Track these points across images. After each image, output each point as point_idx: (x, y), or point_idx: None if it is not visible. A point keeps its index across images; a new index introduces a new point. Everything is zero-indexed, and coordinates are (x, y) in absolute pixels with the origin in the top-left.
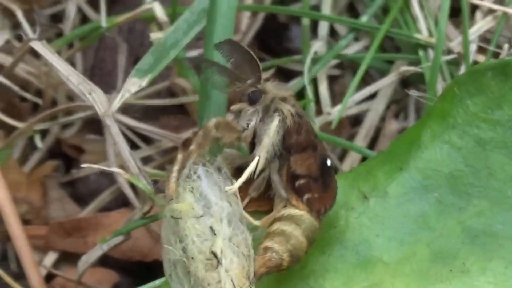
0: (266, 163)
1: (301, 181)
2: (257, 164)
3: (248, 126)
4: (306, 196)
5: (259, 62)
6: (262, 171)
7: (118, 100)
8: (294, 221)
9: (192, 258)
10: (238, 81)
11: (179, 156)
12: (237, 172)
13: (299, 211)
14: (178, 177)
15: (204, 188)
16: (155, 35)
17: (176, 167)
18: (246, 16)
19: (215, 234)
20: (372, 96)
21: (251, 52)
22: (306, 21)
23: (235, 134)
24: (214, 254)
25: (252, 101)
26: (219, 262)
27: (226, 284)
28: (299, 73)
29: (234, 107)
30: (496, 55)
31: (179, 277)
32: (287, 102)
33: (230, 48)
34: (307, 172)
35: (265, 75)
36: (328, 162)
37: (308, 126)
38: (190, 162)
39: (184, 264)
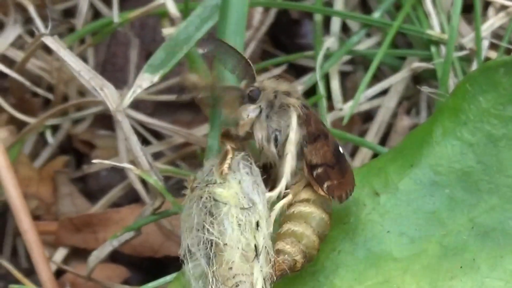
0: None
1: (319, 170)
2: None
3: (246, 118)
4: (326, 184)
5: (249, 61)
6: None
7: (130, 96)
8: (304, 219)
9: (227, 245)
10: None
11: (229, 147)
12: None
13: (308, 208)
14: (230, 165)
15: (248, 184)
16: (167, 31)
17: (230, 155)
18: (258, 11)
19: (257, 230)
20: (384, 92)
21: (240, 52)
22: (318, 17)
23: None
24: (255, 247)
25: (252, 99)
26: (257, 255)
27: (258, 280)
28: (311, 69)
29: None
30: (508, 51)
31: (198, 256)
32: (292, 96)
33: (217, 49)
34: (323, 161)
35: (277, 71)
36: (340, 149)
37: (316, 116)
38: (236, 156)
39: (212, 246)
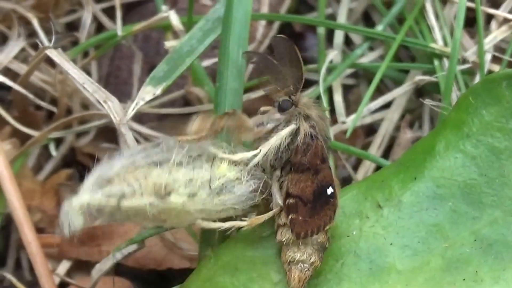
0: (265, 162)
1: (291, 200)
2: (256, 155)
3: (266, 125)
4: (290, 216)
5: (304, 75)
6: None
7: (133, 108)
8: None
9: None
10: (279, 83)
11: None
12: None
13: None
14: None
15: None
16: (170, 43)
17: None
18: (261, 25)
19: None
20: (387, 106)
21: (302, 63)
22: (321, 30)
23: (245, 128)
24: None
25: (281, 109)
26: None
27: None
28: (314, 82)
29: (263, 108)
30: (511, 64)
31: None
32: (309, 122)
33: (284, 48)
34: (298, 193)
35: None
36: (329, 191)
37: (317, 150)
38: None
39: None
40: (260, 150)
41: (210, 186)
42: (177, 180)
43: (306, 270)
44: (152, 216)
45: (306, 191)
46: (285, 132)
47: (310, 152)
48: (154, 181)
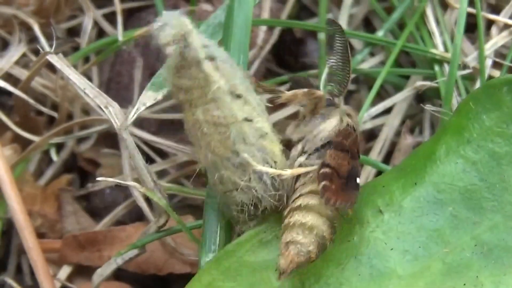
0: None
1: (327, 170)
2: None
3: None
4: (324, 182)
5: (350, 78)
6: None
7: (134, 113)
8: (312, 210)
9: None
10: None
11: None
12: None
13: (316, 199)
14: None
15: None
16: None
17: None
18: (262, 30)
19: None
20: (388, 111)
21: (350, 65)
22: (322, 36)
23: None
24: None
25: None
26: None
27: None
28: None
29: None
30: (511, 70)
31: None
32: (350, 118)
33: (341, 45)
34: (335, 166)
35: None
36: (358, 180)
37: (356, 141)
38: None
39: None
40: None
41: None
42: None
43: (302, 255)
44: None
45: (342, 167)
46: (333, 123)
47: (351, 138)
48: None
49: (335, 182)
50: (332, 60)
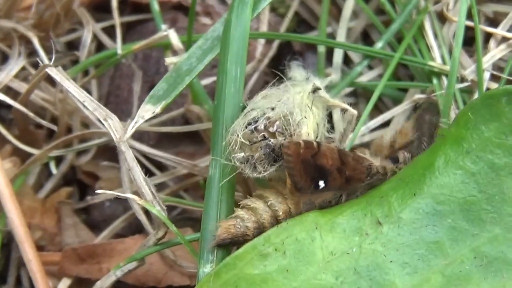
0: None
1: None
2: None
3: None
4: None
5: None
6: None
7: (132, 126)
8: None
9: None
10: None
11: None
12: None
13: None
14: None
15: None
16: (170, 60)
17: None
18: (260, 43)
19: None
20: (386, 124)
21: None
22: (321, 49)
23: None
24: None
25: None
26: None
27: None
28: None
29: None
30: (509, 83)
31: None
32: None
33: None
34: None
35: None
36: (321, 184)
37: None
38: None
39: None
40: None
41: None
42: None
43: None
44: None
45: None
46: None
47: (374, 178)
48: None
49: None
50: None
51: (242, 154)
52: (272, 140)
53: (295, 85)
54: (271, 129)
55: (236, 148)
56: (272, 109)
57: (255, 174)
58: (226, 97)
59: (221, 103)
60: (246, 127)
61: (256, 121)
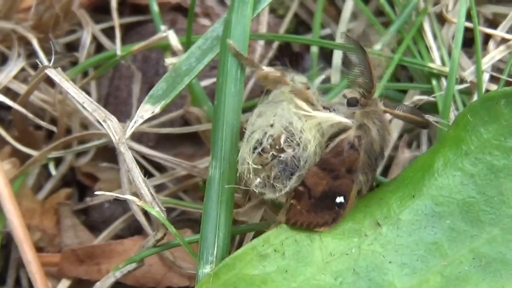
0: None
1: (300, 188)
2: None
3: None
4: (292, 201)
5: (375, 82)
6: None
7: (131, 127)
8: None
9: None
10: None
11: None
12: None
13: None
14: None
15: None
16: (169, 60)
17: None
18: (260, 45)
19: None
20: None
21: (373, 70)
22: (314, 49)
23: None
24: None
25: (348, 103)
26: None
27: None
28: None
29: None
30: (509, 84)
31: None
32: (359, 131)
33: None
34: (310, 185)
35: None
36: (338, 199)
37: (348, 159)
38: None
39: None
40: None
41: None
42: None
43: None
44: None
45: (317, 187)
46: (338, 118)
47: (340, 157)
48: None
49: (303, 202)
50: (353, 73)
51: (259, 179)
52: (282, 155)
53: (282, 92)
54: (277, 146)
55: (251, 175)
56: (271, 125)
57: (277, 194)
58: (226, 97)
59: (221, 104)
60: (253, 152)
61: (261, 143)
